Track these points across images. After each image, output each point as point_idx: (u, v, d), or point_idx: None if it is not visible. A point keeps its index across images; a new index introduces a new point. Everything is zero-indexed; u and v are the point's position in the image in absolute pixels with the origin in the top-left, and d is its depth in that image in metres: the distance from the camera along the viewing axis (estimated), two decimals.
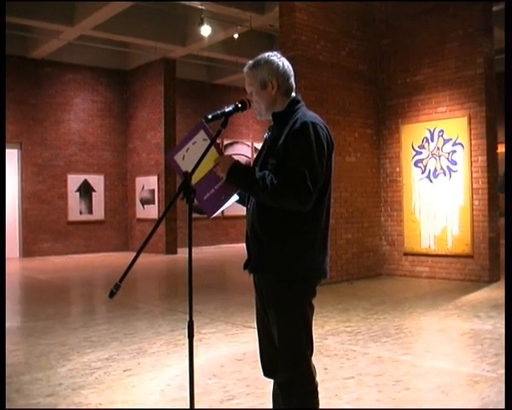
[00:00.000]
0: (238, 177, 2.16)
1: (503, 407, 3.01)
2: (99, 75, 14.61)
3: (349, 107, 8.94)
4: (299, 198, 2.07)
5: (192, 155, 2.17)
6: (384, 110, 9.41)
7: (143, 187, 14.49)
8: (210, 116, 2.19)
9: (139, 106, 14.72)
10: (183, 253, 13.65)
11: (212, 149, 2.17)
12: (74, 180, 14.03)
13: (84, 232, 14.26)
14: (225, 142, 16.04)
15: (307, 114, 2.25)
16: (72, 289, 9.01)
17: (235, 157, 2.24)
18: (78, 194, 14.09)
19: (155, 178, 14.11)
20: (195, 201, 2.10)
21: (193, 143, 2.21)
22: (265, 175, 2.12)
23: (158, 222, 2.06)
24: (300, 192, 2.06)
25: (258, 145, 15.64)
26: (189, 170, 2.09)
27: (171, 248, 13.82)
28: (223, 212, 13.37)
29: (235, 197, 2.33)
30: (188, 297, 2.04)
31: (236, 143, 16.53)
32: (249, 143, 16.95)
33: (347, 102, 8.92)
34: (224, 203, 2.25)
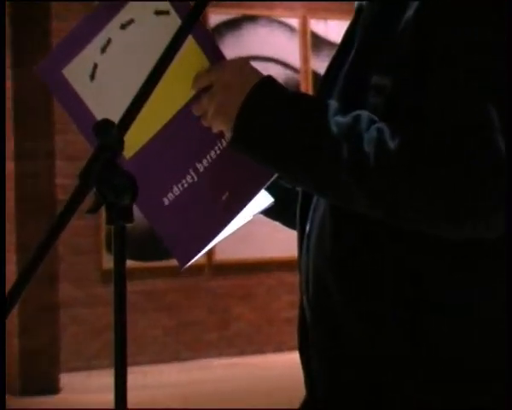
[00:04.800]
0: (279, 126, 1.50)
1: None
2: None
3: None
4: (484, 196, 1.42)
5: (120, 67, 1.61)
6: None
7: None
8: None
9: None
10: (86, 392, 10.14)
11: (190, 42, 1.58)
12: None
13: None
14: (217, 18, 11.61)
15: None
16: None
17: (256, 66, 1.60)
18: None
19: None
20: (140, 212, 1.57)
21: (121, 28, 1.62)
22: (365, 124, 1.47)
23: None
24: (482, 177, 1.41)
25: (326, 31, 11.89)
26: (116, 113, 1.39)
27: (39, 377, 10.37)
28: (211, 250, 11.37)
29: (267, 200, 1.73)
30: None
31: (253, 20, 11.89)
32: (294, 24, 12.03)
33: None
34: (230, 220, 1.65)
